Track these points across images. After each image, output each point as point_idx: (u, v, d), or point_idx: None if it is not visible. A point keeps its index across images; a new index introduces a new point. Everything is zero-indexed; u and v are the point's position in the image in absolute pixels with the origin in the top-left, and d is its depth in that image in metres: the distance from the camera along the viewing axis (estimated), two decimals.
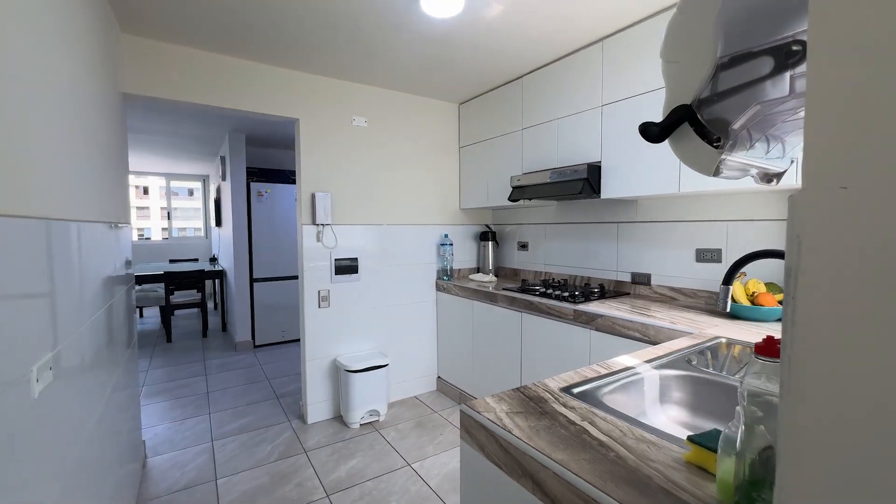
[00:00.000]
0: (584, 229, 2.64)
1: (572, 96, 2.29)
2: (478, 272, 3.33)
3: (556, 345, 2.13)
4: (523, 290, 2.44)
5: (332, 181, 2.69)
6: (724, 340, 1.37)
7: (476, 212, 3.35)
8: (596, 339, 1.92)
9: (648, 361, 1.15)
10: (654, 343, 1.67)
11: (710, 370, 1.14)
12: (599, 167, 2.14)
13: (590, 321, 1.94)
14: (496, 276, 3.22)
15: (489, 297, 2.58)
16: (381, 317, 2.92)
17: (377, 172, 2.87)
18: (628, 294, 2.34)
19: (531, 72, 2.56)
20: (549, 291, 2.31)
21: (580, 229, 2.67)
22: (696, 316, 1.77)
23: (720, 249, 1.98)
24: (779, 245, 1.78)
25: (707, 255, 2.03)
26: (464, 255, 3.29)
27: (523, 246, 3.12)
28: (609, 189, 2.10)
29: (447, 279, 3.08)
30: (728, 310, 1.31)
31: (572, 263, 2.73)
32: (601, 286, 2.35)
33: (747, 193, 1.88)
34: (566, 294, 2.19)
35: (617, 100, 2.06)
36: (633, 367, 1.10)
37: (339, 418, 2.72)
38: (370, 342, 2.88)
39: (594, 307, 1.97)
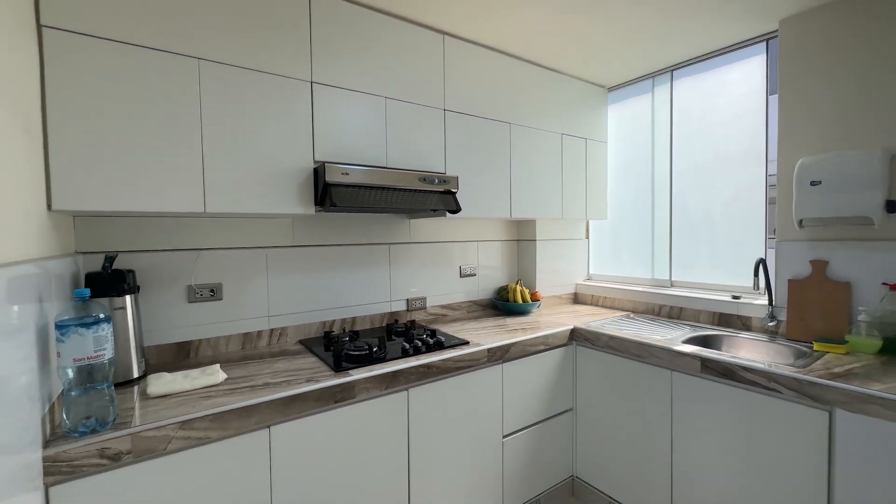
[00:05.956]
0: (343, 253, 1.92)
1: (407, 72, 1.71)
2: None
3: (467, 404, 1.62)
4: (367, 358, 1.49)
5: None
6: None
7: (89, 223, 1.23)
8: (508, 373, 1.76)
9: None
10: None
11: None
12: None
13: (502, 355, 1.73)
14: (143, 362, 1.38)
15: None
16: None
17: None
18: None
19: None
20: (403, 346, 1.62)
21: (337, 254, 1.90)
22: (505, 319, 2.14)
23: (474, 265, 2.39)
24: (503, 260, 2.51)
25: (467, 272, 2.36)
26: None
27: (212, 292, 1.60)
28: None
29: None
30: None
31: (327, 304, 1.88)
32: (406, 323, 1.94)
33: (487, 220, 2.43)
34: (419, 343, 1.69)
35: (464, 112, 1.87)
36: None
37: None
38: None
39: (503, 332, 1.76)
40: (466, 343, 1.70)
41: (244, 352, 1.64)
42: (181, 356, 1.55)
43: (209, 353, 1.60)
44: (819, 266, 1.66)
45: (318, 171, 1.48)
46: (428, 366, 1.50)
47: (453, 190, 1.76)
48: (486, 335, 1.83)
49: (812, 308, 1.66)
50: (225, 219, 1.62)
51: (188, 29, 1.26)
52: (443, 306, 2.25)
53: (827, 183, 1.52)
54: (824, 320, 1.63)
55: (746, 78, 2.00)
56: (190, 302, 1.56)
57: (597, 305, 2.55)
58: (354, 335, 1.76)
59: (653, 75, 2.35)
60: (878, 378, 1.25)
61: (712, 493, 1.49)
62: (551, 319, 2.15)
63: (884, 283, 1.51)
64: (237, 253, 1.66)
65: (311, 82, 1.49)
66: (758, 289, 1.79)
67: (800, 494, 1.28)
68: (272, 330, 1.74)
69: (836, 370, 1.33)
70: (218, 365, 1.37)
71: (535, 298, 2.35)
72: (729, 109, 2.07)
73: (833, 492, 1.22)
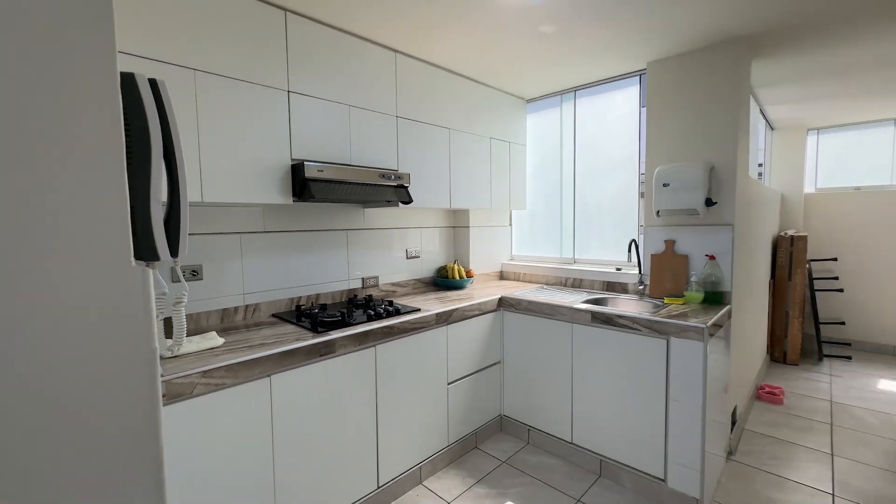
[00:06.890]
0: (307, 238, 2.19)
1: (366, 84, 2.01)
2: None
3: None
4: (328, 323, 1.82)
5: None
6: (544, 285, 2.53)
7: None
8: (452, 336, 2.19)
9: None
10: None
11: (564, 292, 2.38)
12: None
13: (447, 318, 2.15)
14: None
15: None
16: None
17: None
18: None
19: (308, 19, 1.75)
20: (378, 311, 1.98)
21: (302, 239, 2.17)
22: (445, 293, 2.58)
23: (418, 248, 2.77)
24: (442, 244, 2.93)
25: (412, 254, 2.73)
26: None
27: (194, 272, 1.80)
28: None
29: None
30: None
31: (294, 283, 2.14)
32: (365, 297, 2.28)
33: (429, 210, 2.82)
34: (381, 309, 2.06)
35: (413, 119, 2.22)
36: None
37: None
38: None
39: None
40: (418, 310, 2.09)
41: (223, 325, 1.86)
42: (167, 330, 1.73)
43: (191, 326, 1.80)
44: (669, 244, 2.31)
45: (296, 168, 1.75)
46: (390, 327, 1.87)
47: (406, 185, 2.12)
48: (431, 304, 2.24)
49: (665, 274, 2.32)
50: (206, 207, 1.82)
51: (186, 43, 1.46)
52: (393, 283, 2.61)
53: (672, 185, 2.15)
54: (672, 282, 2.30)
55: (627, 101, 2.62)
56: (174, 281, 1.75)
57: (518, 280, 3.09)
58: (323, 307, 2.06)
59: (561, 93, 2.89)
60: (696, 316, 1.89)
61: (598, 408, 2.08)
62: (483, 291, 2.63)
63: (706, 255, 2.19)
64: (215, 238, 1.86)
65: (288, 91, 1.74)
66: (631, 262, 2.42)
67: (651, 395, 1.90)
68: (247, 306, 1.97)
69: (674, 313, 1.95)
70: (214, 332, 1.61)
71: (469, 275, 2.81)
72: (615, 124, 2.68)
73: (669, 388, 1.85)
